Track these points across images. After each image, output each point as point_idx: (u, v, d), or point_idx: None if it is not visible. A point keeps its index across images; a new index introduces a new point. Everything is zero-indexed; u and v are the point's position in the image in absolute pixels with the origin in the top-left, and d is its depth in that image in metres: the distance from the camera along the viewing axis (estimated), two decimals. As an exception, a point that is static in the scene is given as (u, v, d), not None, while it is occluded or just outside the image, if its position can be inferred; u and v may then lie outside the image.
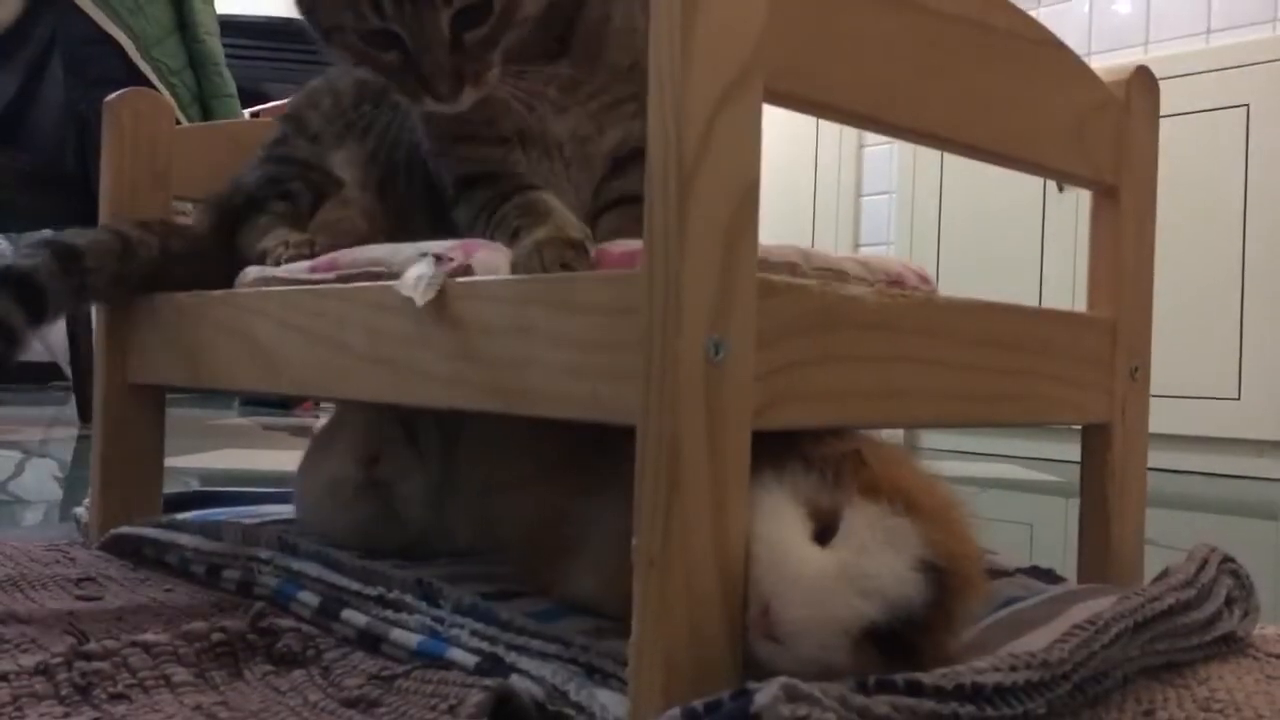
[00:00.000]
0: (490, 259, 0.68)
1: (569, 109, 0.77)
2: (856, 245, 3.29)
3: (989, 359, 0.69)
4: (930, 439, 2.82)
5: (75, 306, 0.92)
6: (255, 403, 3.33)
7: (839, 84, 0.59)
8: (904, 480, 0.55)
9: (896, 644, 0.52)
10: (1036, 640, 0.60)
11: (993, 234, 2.67)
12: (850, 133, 3.28)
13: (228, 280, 0.87)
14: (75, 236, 0.90)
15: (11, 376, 4.08)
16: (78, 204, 2.30)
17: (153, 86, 2.25)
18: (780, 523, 0.53)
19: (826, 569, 0.52)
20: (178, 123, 1.05)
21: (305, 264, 0.79)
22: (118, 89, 1.00)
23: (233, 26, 2.64)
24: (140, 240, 0.91)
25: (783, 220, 3.29)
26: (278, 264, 0.82)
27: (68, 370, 2.83)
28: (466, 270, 0.66)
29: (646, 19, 0.78)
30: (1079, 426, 0.83)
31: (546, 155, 0.78)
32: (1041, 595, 0.74)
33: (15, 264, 0.86)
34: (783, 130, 3.18)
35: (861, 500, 0.54)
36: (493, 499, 0.81)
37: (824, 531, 0.54)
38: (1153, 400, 0.84)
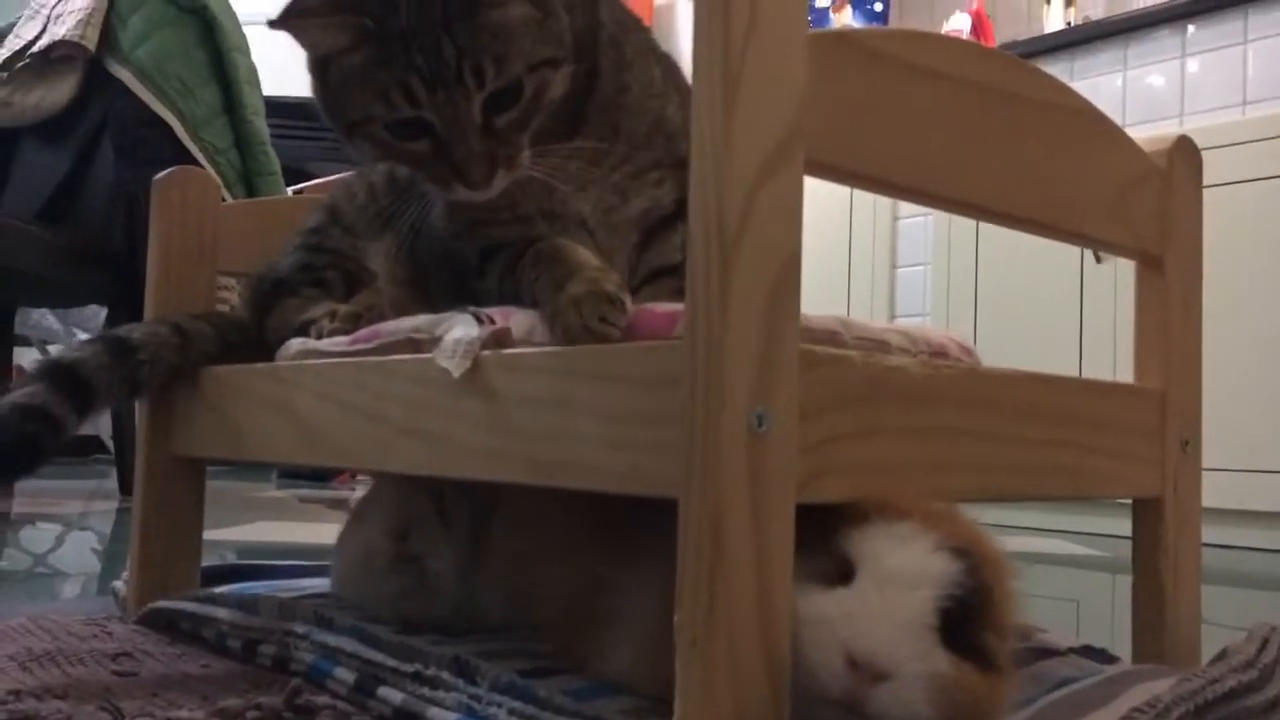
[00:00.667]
0: (527, 320, 0.68)
1: (592, 183, 0.77)
2: (892, 317, 3.28)
3: (1036, 431, 0.68)
4: (972, 513, 2.77)
5: (130, 396, 0.92)
6: (293, 475, 3.35)
7: (880, 155, 0.59)
8: (889, 499, 0.56)
9: (969, 644, 0.52)
10: (1094, 724, 0.58)
11: (1030, 306, 2.65)
12: (885, 204, 3.30)
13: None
14: (130, 330, 0.91)
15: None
16: (125, 282, 2.35)
17: (200, 165, 2.31)
18: (808, 599, 0.52)
19: (868, 591, 0.52)
20: (223, 199, 1.07)
21: (345, 338, 0.80)
22: (166, 169, 1.03)
23: (277, 107, 2.70)
24: (197, 331, 0.92)
25: (818, 292, 3.29)
26: (320, 336, 0.82)
27: (109, 443, 2.86)
28: (505, 334, 0.66)
29: (665, 80, 0.80)
30: (1128, 500, 0.81)
31: (569, 229, 0.78)
32: (1097, 676, 0.72)
33: (64, 356, 0.86)
34: (817, 201, 3.20)
35: (857, 530, 0.54)
36: (526, 571, 0.80)
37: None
38: (1203, 473, 0.82)
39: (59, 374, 0.84)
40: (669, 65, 0.83)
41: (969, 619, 0.52)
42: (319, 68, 0.73)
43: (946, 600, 0.52)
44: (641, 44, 0.81)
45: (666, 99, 0.80)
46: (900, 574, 0.52)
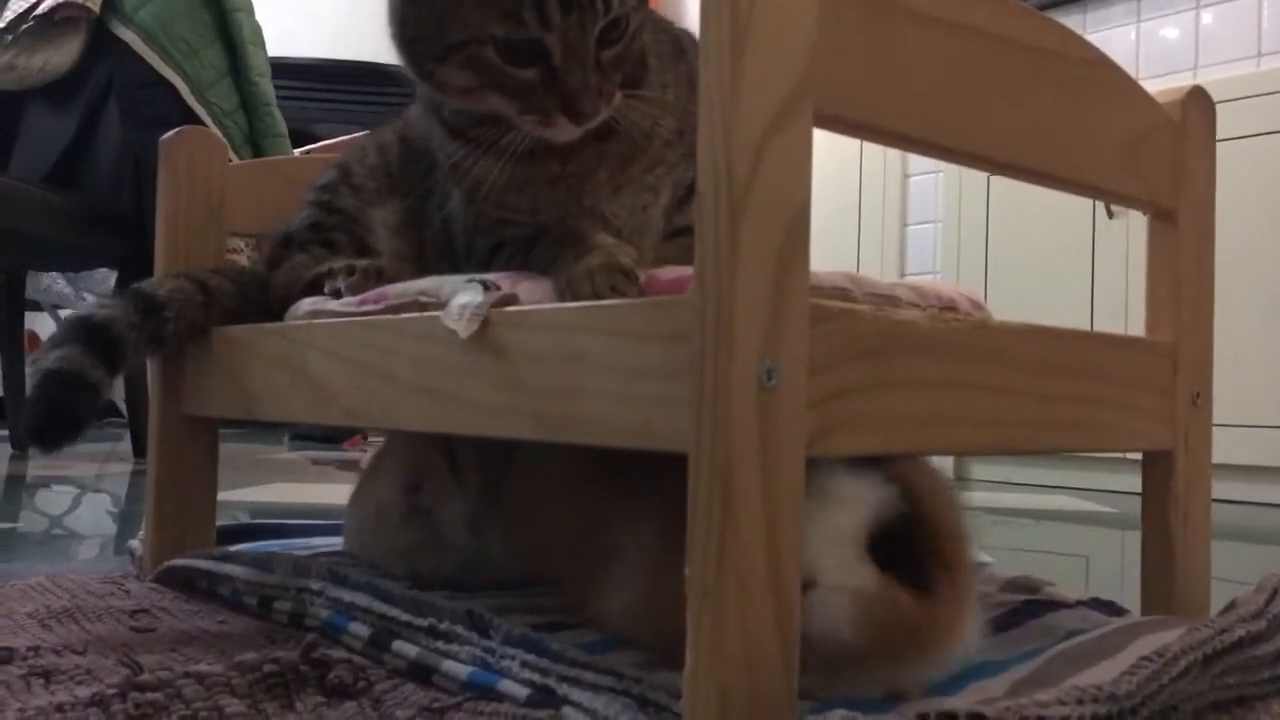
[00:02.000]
0: (536, 288, 0.68)
1: (624, 187, 0.76)
2: (902, 274, 3.27)
3: (1046, 385, 0.68)
4: (982, 471, 2.77)
5: (155, 352, 0.92)
6: (304, 438, 3.37)
7: (890, 107, 0.59)
8: None
9: (904, 561, 0.55)
10: (1103, 673, 0.58)
11: (1041, 262, 2.64)
12: (894, 162, 3.27)
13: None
14: (155, 287, 0.90)
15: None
16: (133, 244, 2.36)
17: (206, 127, 2.30)
18: None
19: (810, 508, 0.53)
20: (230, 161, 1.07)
21: (355, 299, 0.80)
22: (172, 130, 1.02)
23: (283, 69, 2.69)
24: (219, 288, 0.92)
25: (828, 250, 3.27)
26: (336, 294, 0.82)
27: (123, 407, 2.87)
28: (512, 299, 0.67)
29: (689, 73, 0.78)
30: (1137, 456, 0.81)
31: (602, 227, 0.76)
32: (1105, 628, 0.72)
33: (94, 314, 0.86)
34: (827, 160, 3.18)
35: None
36: (536, 522, 0.81)
37: None
38: (1213, 429, 0.82)
39: (91, 333, 0.84)
40: (691, 59, 0.79)
41: (904, 542, 0.54)
42: None
43: (879, 524, 0.54)
44: (670, 46, 0.78)
45: (694, 94, 0.77)
46: (834, 494, 0.55)
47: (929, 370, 0.60)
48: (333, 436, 3.30)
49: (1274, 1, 2.68)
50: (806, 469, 0.54)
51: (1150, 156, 0.77)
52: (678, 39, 0.80)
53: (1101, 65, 0.73)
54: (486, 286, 0.67)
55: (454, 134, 0.77)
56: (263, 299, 0.91)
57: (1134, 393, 0.75)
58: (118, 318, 0.86)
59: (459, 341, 0.65)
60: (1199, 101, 0.81)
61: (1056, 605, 0.80)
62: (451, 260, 0.83)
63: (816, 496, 0.54)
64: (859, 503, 0.55)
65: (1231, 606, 0.70)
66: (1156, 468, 0.80)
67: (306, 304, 0.85)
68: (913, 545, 0.55)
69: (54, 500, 1.85)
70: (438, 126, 0.79)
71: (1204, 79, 2.64)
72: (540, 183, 0.74)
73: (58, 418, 0.81)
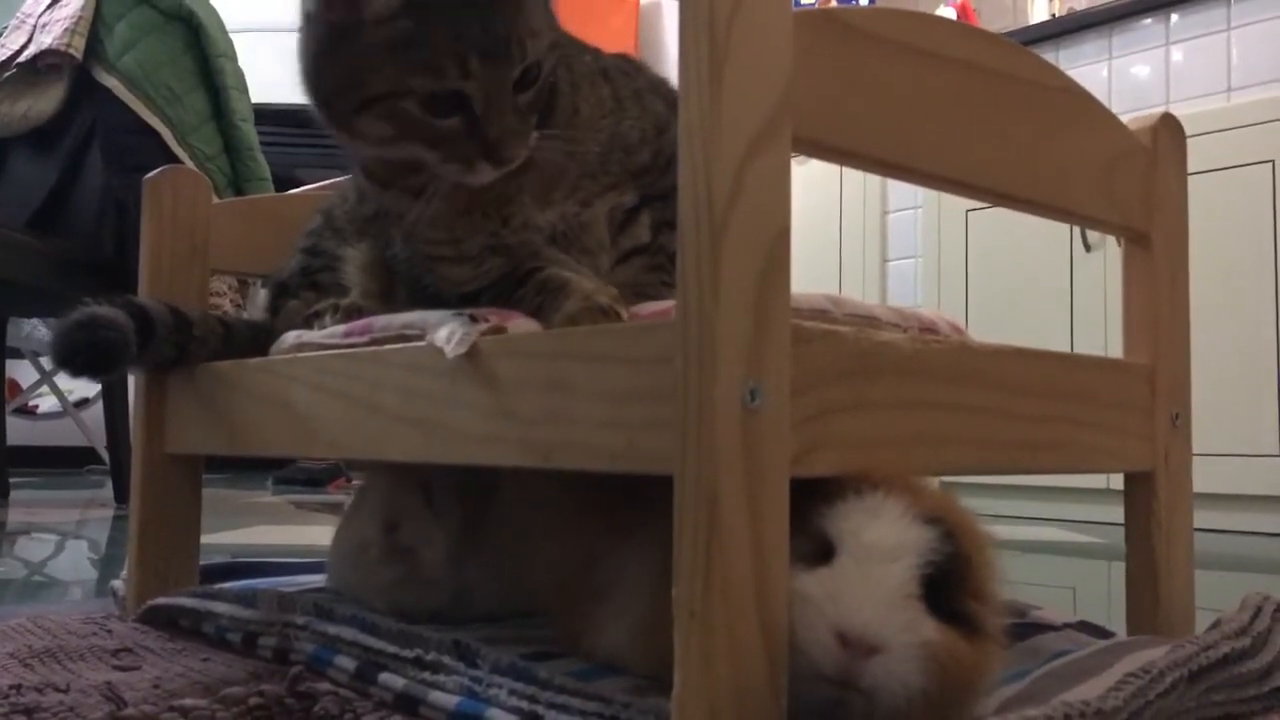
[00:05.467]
0: (526, 325, 0.69)
1: (550, 205, 0.76)
2: (884, 311, 3.28)
3: (1026, 406, 0.69)
4: (966, 502, 2.77)
5: (172, 364, 0.92)
6: (287, 481, 3.35)
7: (867, 133, 0.60)
8: (859, 474, 0.56)
9: (952, 611, 0.53)
10: (1089, 690, 0.58)
11: (1021, 296, 2.66)
12: (874, 198, 3.30)
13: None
14: (185, 307, 0.93)
15: (47, 462, 4.12)
16: (116, 290, 2.34)
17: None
18: (793, 580, 0.53)
19: (850, 568, 0.52)
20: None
21: (340, 328, 0.80)
22: (155, 175, 1.02)
23: (266, 114, 2.70)
24: (237, 328, 0.94)
25: (809, 286, 3.28)
26: (322, 329, 0.82)
27: (104, 454, 2.85)
28: (500, 330, 0.67)
29: (615, 97, 0.79)
30: (1120, 484, 0.81)
31: (529, 258, 0.76)
32: (1092, 647, 0.72)
33: (136, 298, 0.90)
34: (806, 195, 3.21)
35: (831, 507, 0.55)
36: (522, 552, 0.81)
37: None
38: (1193, 458, 0.82)
39: (134, 306, 0.87)
40: (619, 79, 0.81)
41: (950, 585, 0.53)
42: (342, 35, 0.69)
43: (926, 568, 0.53)
44: (589, 67, 0.79)
45: (621, 114, 0.78)
46: (878, 547, 0.53)
47: (911, 391, 0.60)
48: (316, 479, 3.28)
49: (1242, 37, 2.74)
50: (830, 519, 0.54)
51: (1124, 181, 0.78)
52: (592, 60, 0.81)
53: (1074, 93, 0.75)
54: (474, 320, 0.67)
55: (383, 184, 0.78)
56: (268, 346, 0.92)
57: (1114, 414, 0.76)
58: (156, 306, 0.89)
59: (446, 371, 0.65)
60: (1170, 128, 0.82)
61: (1043, 628, 0.80)
62: (413, 295, 0.83)
63: (862, 550, 0.52)
64: (906, 551, 0.52)
65: (1216, 624, 0.71)
66: (1138, 489, 0.80)
67: (291, 336, 0.85)
68: (959, 585, 0.54)
69: (34, 547, 1.83)
70: (364, 178, 0.80)
71: (1175, 113, 2.69)
72: (452, 215, 0.74)
73: (91, 346, 0.84)
